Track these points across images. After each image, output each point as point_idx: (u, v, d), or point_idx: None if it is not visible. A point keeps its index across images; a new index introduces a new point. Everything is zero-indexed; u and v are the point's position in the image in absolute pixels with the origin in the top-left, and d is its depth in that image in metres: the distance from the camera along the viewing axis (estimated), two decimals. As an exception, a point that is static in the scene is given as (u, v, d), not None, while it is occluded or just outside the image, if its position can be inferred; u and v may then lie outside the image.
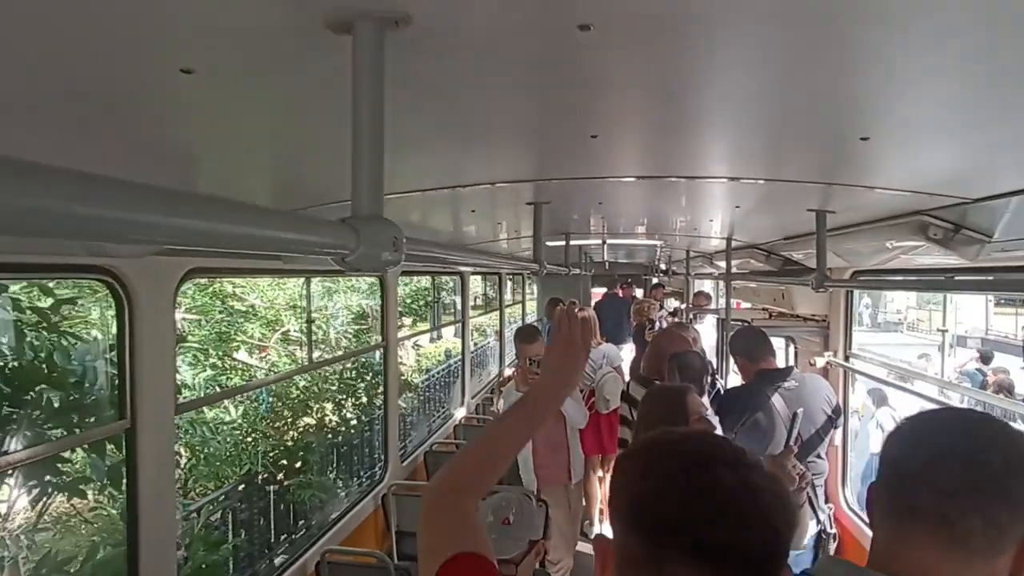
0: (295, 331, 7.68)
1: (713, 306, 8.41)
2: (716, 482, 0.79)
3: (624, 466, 0.86)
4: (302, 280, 8.23)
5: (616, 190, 2.44)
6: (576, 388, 1.15)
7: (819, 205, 2.46)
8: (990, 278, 2.29)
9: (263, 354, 7.56)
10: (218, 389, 6.51)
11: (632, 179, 2.06)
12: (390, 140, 1.66)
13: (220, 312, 7.15)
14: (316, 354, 7.92)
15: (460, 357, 6.82)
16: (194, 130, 1.16)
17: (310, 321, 4.76)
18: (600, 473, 5.78)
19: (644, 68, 1.06)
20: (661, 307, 9.23)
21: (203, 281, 6.90)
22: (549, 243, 4.96)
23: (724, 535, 0.75)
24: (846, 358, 4.02)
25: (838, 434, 3.75)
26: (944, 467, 0.91)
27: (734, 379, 5.01)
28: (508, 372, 6.33)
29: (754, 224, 3.69)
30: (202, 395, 6.01)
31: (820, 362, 4.07)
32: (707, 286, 9.46)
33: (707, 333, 6.66)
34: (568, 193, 2.54)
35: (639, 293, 12.00)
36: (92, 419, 3.36)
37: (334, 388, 7.53)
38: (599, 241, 5.66)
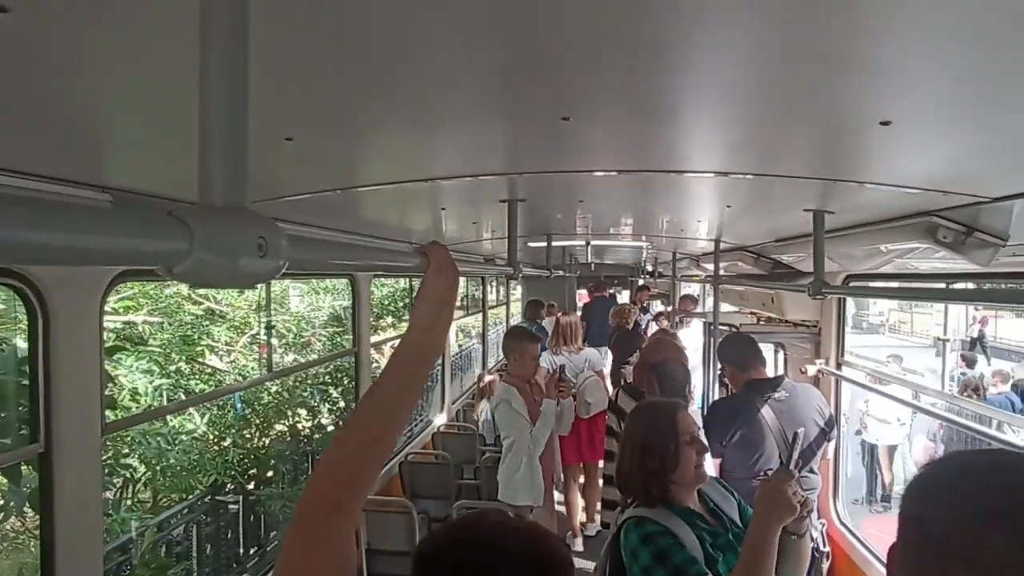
0: (264, 335, 7.38)
1: (699, 309, 8.24)
2: (476, 522, 0.99)
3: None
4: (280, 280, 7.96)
5: (597, 186, 2.23)
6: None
7: (818, 205, 2.26)
8: (1000, 286, 2.09)
9: (230, 359, 7.26)
10: (183, 396, 6.21)
11: (614, 173, 1.84)
12: (331, 121, 1.44)
13: (188, 314, 6.84)
14: (290, 358, 7.63)
15: (440, 361, 6.56)
16: (20, 90, 0.91)
17: (270, 326, 4.49)
18: (581, 480, 5.61)
19: (618, 29, 0.85)
20: (646, 311, 9.05)
21: (171, 282, 6.55)
22: (531, 244, 4.75)
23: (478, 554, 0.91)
24: (838, 366, 3.84)
25: (830, 446, 3.57)
26: (983, 533, 0.69)
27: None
28: (489, 378, 6.07)
29: (744, 225, 3.50)
30: (165, 403, 5.69)
31: (811, 370, 3.89)
32: (694, 289, 9.29)
33: (693, 338, 6.48)
34: (545, 189, 2.32)
35: (624, 295, 11.83)
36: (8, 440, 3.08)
37: (306, 394, 7.25)
38: (583, 242, 5.45)
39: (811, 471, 3.27)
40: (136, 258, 0.46)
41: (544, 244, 4.73)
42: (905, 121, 1.13)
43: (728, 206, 2.53)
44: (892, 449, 8.11)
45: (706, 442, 2.05)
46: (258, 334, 7.37)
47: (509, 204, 2.50)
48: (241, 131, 0.55)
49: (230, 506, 5.64)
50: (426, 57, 0.98)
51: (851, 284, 3.35)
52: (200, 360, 6.75)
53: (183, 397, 6.27)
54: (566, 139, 1.43)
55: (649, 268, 10.85)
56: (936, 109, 1.13)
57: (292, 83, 1.06)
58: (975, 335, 18.39)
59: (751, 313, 5.55)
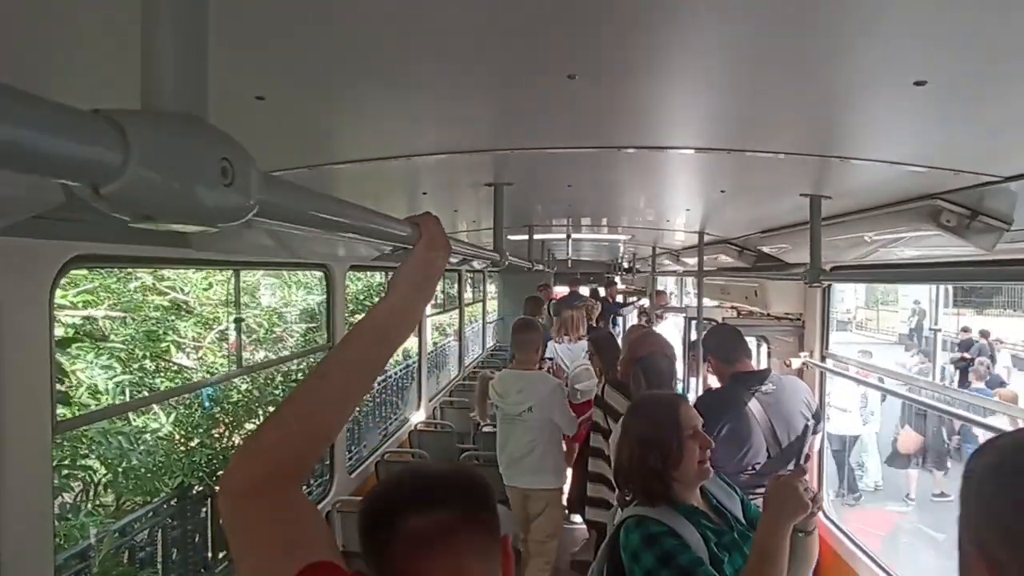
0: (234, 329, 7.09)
1: (674, 304, 8.26)
2: (417, 469, 1.12)
3: None
4: (252, 272, 7.67)
5: (589, 167, 2.12)
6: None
7: (815, 189, 2.18)
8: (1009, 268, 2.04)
9: (197, 356, 6.96)
10: (147, 393, 5.92)
11: (613, 149, 1.73)
12: (305, 79, 1.30)
13: (154, 309, 6.51)
14: (261, 355, 7.38)
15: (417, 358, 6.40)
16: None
17: (239, 320, 4.29)
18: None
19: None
20: (619, 306, 9.04)
21: (141, 272, 6.24)
22: (512, 237, 4.64)
23: (422, 487, 0.95)
24: (823, 358, 3.81)
25: (817, 439, 3.53)
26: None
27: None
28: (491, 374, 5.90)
29: (732, 215, 3.43)
30: (125, 400, 5.39)
31: (796, 363, 3.85)
32: (670, 284, 9.29)
33: (669, 333, 6.45)
34: (534, 170, 2.20)
35: (601, 292, 11.81)
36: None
37: (278, 392, 7.00)
38: (563, 236, 5.36)
39: (799, 464, 3.22)
40: (48, 166, 0.32)
41: (526, 237, 4.63)
42: (940, 81, 1.04)
43: (722, 191, 2.44)
44: (854, 440, 8.19)
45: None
46: (227, 329, 7.09)
47: (495, 188, 2.38)
48: (200, 20, 0.42)
49: (198, 509, 5.40)
50: (411, 4, 0.85)
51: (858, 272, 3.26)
52: (166, 357, 6.45)
53: (148, 395, 5.98)
54: (567, 104, 1.32)
55: (626, 265, 10.83)
56: (970, 67, 1.04)
57: (263, 30, 0.92)
58: (912, 327, 19.06)
59: (731, 307, 5.52)
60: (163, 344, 6.45)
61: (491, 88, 1.29)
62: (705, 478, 1.78)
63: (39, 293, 1.86)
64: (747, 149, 1.74)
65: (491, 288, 11.68)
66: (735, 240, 4.30)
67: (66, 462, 4.78)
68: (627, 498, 1.81)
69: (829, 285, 3.76)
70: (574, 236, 5.37)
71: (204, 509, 5.40)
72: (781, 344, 4.17)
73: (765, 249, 3.85)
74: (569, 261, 10.26)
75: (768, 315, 4.42)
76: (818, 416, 3.25)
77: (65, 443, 4.85)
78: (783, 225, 3.23)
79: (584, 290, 11.03)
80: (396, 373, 8.51)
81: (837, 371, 3.71)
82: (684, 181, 2.43)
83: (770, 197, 2.55)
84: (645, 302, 9.17)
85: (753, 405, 3.06)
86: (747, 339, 3.37)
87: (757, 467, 3.00)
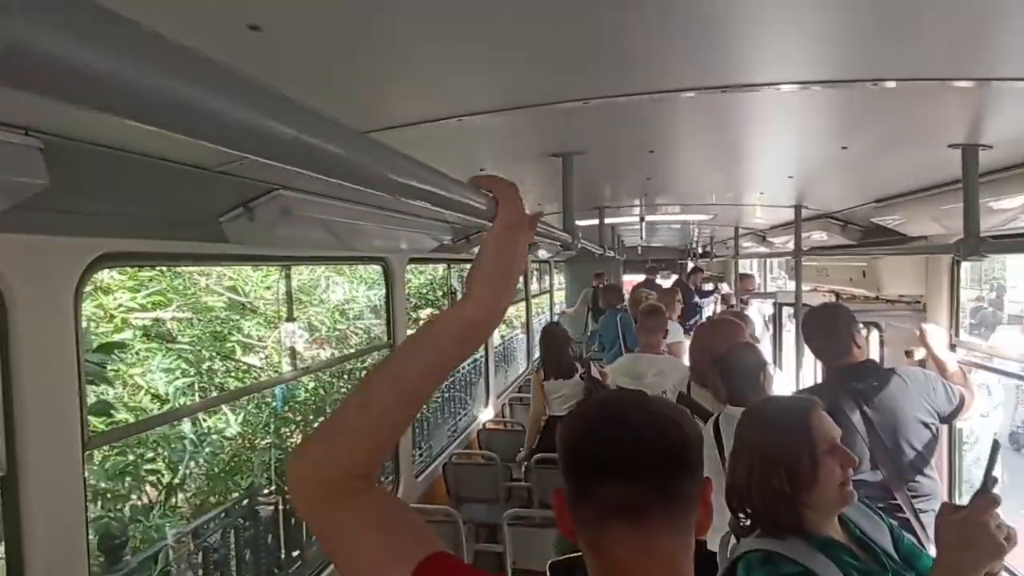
0: (298, 329, 7.03)
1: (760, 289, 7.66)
2: (618, 413, 0.90)
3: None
4: (312, 269, 7.62)
5: (676, 124, 1.74)
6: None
7: (969, 136, 1.72)
8: None
9: (264, 355, 6.97)
10: (215, 393, 5.94)
11: (713, 91, 1.35)
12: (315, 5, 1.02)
13: (223, 308, 6.55)
14: (328, 353, 7.32)
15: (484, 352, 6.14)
16: None
17: (292, 318, 4.14)
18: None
19: None
20: (704, 295, 8.46)
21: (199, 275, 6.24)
22: (580, 223, 4.29)
23: (621, 453, 0.85)
24: (952, 347, 3.23)
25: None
26: None
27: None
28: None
29: (839, 184, 2.95)
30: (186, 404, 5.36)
31: (919, 354, 3.29)
32: (754, 268, 8.66)
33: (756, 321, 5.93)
34: (609, 133, 1.85)
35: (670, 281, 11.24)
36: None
37: (344, 390, 6.93)
38: (635, 218, 4.92)
39: (922, 474, 2.67)
40: None
41: (596, 222, 4.25)
42: None
43: (844, 147, 2.00)
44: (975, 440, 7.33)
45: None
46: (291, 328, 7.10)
47: (564, 159, 2.04)
48: None
49: (269, 509, 5.40)
50: None
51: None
52: (233, 357, 6.48)
53: (214, 394, 5.98)
54: (661, 20, 0.96)
55: (700, 250, 10.21)
56: None
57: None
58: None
59: (829, 291, 4.94)
60: (228, 344, 6.47)
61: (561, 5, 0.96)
62: (848, 504, 1.38)
63: (63, 296, 1.67)
64: (890, 77, 1.32)
65: (556, 279, 11.36)
66: (838, 214, 3.77)
67: (129, 469, 4.80)
68: (743, 524, 1.44)
69: (959, 261, 3.19)
70: (648, 218, 4.93)
71: (275, 509, 5.38)
72: (896, 331, 3.63)
73: (877, 221, 3.31)
74: (639, 248, 9.74)
75: (877, 298, 3.87)
76: (952, 414, 2.69)
77: (130, 448, 4.88)
78: (915, 189, 2.69)
79: (660, 280, 10.44)
80: (463, 368, 8.29)
81: (975, 362, 3.12)
82: (794, 137, 2.01)
83: (904, 152, 2.08)
84: (725, 287, 8.56)
85: (853, 407, 2.55)
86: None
87: (861, 480, 2.51)
